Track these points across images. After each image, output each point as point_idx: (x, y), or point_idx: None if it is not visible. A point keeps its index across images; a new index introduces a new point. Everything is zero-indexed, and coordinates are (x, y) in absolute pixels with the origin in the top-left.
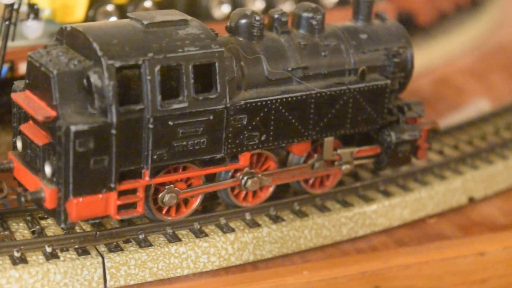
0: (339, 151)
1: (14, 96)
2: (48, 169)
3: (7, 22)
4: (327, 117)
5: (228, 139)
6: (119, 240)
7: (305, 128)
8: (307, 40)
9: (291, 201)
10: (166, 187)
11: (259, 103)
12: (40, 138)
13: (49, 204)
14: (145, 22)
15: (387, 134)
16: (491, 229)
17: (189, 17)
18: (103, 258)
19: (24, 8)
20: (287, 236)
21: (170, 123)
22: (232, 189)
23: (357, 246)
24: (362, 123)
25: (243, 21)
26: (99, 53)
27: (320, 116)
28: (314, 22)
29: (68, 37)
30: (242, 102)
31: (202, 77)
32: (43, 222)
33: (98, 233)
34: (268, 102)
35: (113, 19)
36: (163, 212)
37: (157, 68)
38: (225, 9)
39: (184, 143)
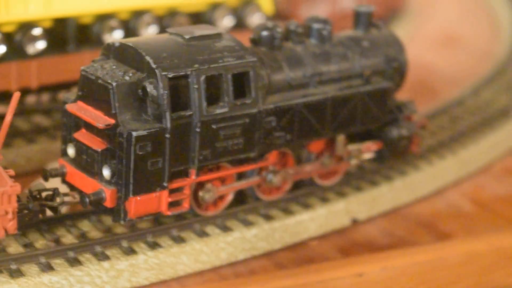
0: (349, 147)
1: (69, 107)
2: (106, 172)
3: None
4: (340, 117)
5: (260, 139)
6: None
7: (322, 127)
8: (319, 48)
9: (169, 227)
10: (207, 185)
11: (285, 106)
12: (97, 144)
13: (109, 203)
14: (186, 37)
15: (390, 131)
16: (371, 250)
17: (222, 31)
18: None
19: None
20: (164, 262)
21: (213, 126)
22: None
23: (236, 270)
24: (369, 122)
25: (266, 33)
26: (153, 65)
27: (334, 116)
28: (324, 33)
29: (116, 52)
30: (272, 106)
31: (236, 84)
32: None
33: None
34: (293, 105)
35: (1, 47)
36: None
37: (203, 77)
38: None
39: (225, 144)
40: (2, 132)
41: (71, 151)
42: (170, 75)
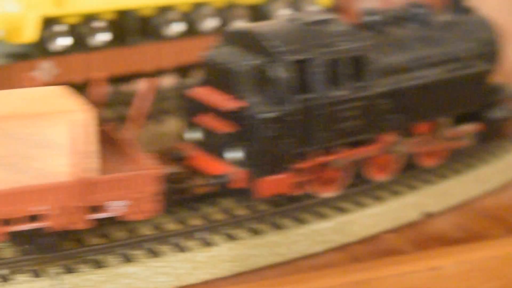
0: (459, 128)
1: (193, 92)
2: (234, 154)
3: None
4: (443, 99)
5: (374, 121)
6: (74, 261)
7: (428, 109)
8: (421, 32)
9: (246, 219)
10: (336, 159)
11: (398, 89)
12: (223, 127)
13: (241, 184)
14: (303, 22)
15: (492, 112)
16: (444, 244)
17: (334, 16)
18: (58, 279)
19: None
20: (242, 254)
21: (335, 108)
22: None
23: (312, 263)
24: (470, 104)
25: (371, 18)
26: (277, 49)
27: (439, 99)
28: (425, 17)
29: (236, 38)
30: (385, 89)
31: (353, 67)
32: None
33: (53, 254)
34: (404, 88)
35: (67, 39)
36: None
37: (324, 61)
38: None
39: (343, 126)
40: (140, 118)
41: (194, 135)
42: (294, 59)
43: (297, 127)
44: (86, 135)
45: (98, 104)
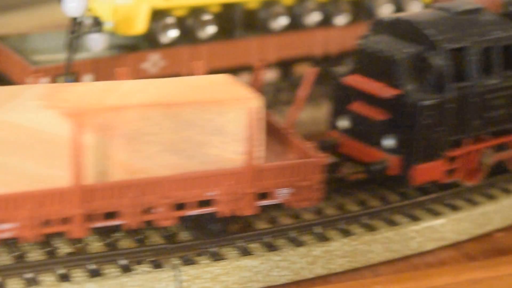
0: None
1: (347, 80)
2: (389, 141)
3: (73, 35)
4: None
5: None
6: (192, 252)
7: None
8: None
9: (359, 215)
10: (486, 150)
11: None
12: (378, 114)
13: (394, 171)
14: (454, 11)
15: None
16: None
17: (481, 6)
18: (177, 271)
19: (88, 21)
20: (356, 250)
21: (487, 97)
22: None
23: (426, 260)
24: None
25: None
26: (434, 38)
27: None
28: None
29: (388, 27)
30: None
31: (504, 56)
32: (115, 235)
33: (172, 245)
34: None
35: (174, 32)
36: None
37: (480, 49)
38: (282, 21)
39: (494, 114)
40: (297, 106)
41: (344, 122)
42: (450, 47)
43: (452, 115)
44: (257, 122)
45: (259, 91)
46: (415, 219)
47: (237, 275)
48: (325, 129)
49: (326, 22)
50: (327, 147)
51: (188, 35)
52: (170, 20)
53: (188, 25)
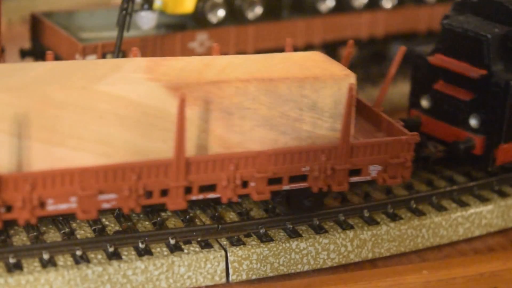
0: None
1: (432, 59)
2: (475, 121)
3: (124, 12)
4: None
5: None
6: (240, 234)
7: None
8: None
9: (407, 199)
10: None
11: None
12: (463, 94)
13: (478, 151)
14: None
15: None
16: None
17: None
18: (226, 252)
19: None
20: (405, 234)
21: None
22: None
23: (474, 246)
24: None
25: None
26: None
27: None
28: None
29: (473, 7)
30: None
31: None
32: (162, 214)
33: (220, 226)
34: None
35: (222, 11)
36: None
37: None
38: (329, 3)
39: None
40: (386, 84)
41: (425, 102)
42: None
43: None
44: (352, 99)
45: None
46: (463, 205)
47: (285, 257)
48: (401, 107)
49: (372, 4)
50: (409, 126)
51: (235, 15)
52: (217, 0)
53: (235, 5)
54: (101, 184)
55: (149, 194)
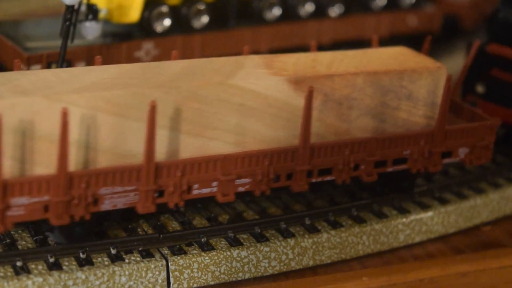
0: None
1: (489, 48)
2: None
3: (67, 23)
4: None
5: None
6: (182, 243)
7: None
8: None
9: (348, 207)
10: None
11: None
12: None
13: None
14: None
15: None
16: None
17: None
18: (167, 261)
19: (82, 9)
20: (346, 241)
21: None
22: None
23: (414, 253)
24: None
25: None
26: None
27: None
28: None
29: None
30: None
31: None
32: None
33: (161, 235)
34: None
35: (168, 21)
36: None
37: None
38: (276, 12)
39: None
40: (462, 74)
41: (481, 88)
42: None
43: None
44: (448, 89)
45: None
46: (403, 211)
47: (227, 266)
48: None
49: (319, 13)
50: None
51: (181, 24)
52: (164, 9)
53: (181, 14)
54: (239, 169)
55: (277, 178)
